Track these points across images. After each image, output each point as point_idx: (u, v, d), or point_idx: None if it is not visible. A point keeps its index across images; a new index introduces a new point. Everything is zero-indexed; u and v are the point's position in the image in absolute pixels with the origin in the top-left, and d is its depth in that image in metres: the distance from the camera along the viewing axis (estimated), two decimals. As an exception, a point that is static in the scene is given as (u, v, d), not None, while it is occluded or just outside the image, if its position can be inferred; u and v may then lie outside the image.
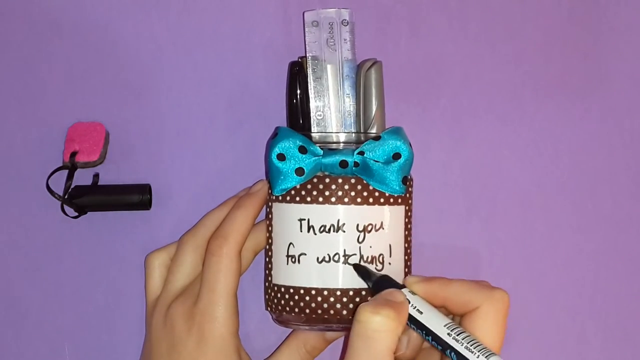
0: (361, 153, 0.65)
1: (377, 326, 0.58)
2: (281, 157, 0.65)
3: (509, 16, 0.76)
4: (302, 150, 0.65)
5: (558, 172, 0.76)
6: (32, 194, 0.74)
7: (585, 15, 0.76)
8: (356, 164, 0.65)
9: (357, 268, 0.65)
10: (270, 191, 0.67)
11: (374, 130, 0.68)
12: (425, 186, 0.73)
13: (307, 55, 0.68)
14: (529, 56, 0.76)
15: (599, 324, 0.76)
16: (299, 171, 0.65)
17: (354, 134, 0.67)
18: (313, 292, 0.65)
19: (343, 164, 0.65)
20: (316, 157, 0.65)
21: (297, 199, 0.65)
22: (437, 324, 0.60)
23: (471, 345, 0.59)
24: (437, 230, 0.75)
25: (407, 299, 0.61)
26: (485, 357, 0.58)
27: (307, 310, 0.65)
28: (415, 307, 0.61)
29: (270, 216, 0.68)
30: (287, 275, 0.66)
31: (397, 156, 0.65)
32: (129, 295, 0.74)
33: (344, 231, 0.65)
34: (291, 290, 0.66)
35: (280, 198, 0.66)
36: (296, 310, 0.65)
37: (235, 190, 0.73)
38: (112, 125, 0.73)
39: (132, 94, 0.74)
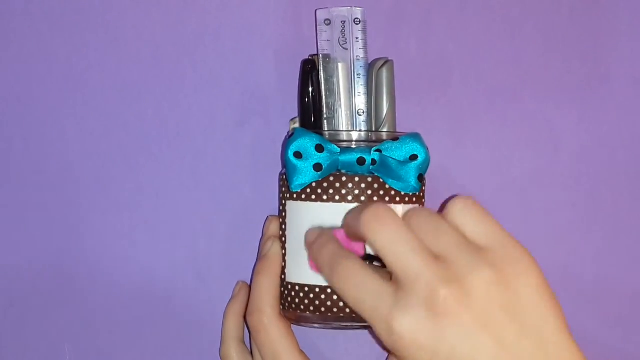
0: (378, 151, 0.65)
1: None
2: (298, 155, 0.65)
3: (509, 16, 0.76)
4: (319, 149, 0.65)
5: (558, 172, 0.76)
6: (32, 193, 0.73)
7: (585, 15, 0.76)
8: (373, 162, 0.65)
9: None
10: (285, 189, 0.67)
11: (385, 130, 0.68)
12: (426, 186, 0.73)
13: (319, 53, 0.68)
14: (529, 56, 0.76)
15: (599, 323, 0.76)
16: (317, 167, 0.65)
17: (368, 133, 0.67)
18: (329, 290, 0.65)
19: (361, 161, 0.65)
20: (333, 155, 0.65)
21: (313, 197, 0.65)
22: None
23: None
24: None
25: None
26: None
27: (323, 309, 0.65)
28: None
29: (284, 214, 0.67)
30: (302, 274, 0.66)
31: (414, 157, 0.66)
32: (130, 295, 0.74)
33: None
34: (306, 289, 0.65)
35: (295, 196, 0.66)
36: (311, 308, 0.65)
37: (235, 191, 0.73)
38: (111, 125, 0.73)
39: (132, 93, 0.74)
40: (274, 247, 0.68)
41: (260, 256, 0.68)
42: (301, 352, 0.67)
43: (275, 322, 0.66)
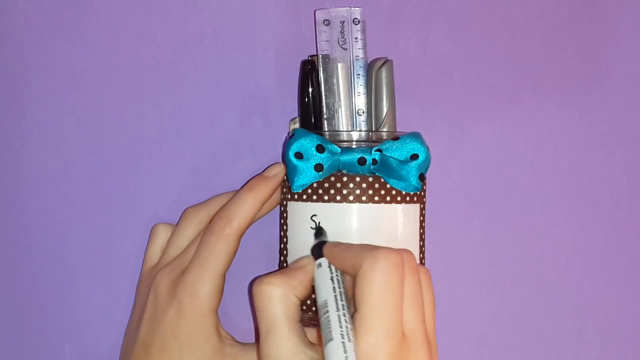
0: (379, 151, 0.65)
1: (261, 295, 0.60)
2: (299, 155, 0.65)
3: (509, 16, 0.76)
4: (320, 149, 0.65)
5: (558, 172, 0.76)
6: (33, 193, 0.73)
7: (585, 15, 0.76)
8: (374, 162, 0.65)
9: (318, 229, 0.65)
10: (286, 190, 0.67)
11: (385, 129, 0.68)
12: (426, 185, 0.73)
13: (319, 54, 0.68)
14: (529, 56, 0.76)
15: (599, 323, 0.77)
16: (318, 167, 0.65)
17: (368, 133, 0.67)
18: None
19: (361, 161, 0.65)
20: (334, 155, 0.65)
21: (314, 197, 0.65)
22: (326, 289, 0.59)
23: (337, 319, 0.57)
24: (437, 230, 0.75)
25: (320, 265, 0.62)
26: (336, 335, 0.56)
27: None
28: (332, 275, 0.61)
29: (285, 215, 0.67)
30: None
31: (414, 157, 0.65)
32: (130, 295, 0.74)
33: (362, 229, 0.65)
34: None
35: (296, 197, 0.66)
36: (313, 309, 0.65)
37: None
38: (112, 125, 0.73)
39: (132, 93, 0.74)
40: (279, 173, 0.67)
41: (260, 175, 0.68)
42: (224, 277, 0.66)
43: (233, 238, 0.66)
